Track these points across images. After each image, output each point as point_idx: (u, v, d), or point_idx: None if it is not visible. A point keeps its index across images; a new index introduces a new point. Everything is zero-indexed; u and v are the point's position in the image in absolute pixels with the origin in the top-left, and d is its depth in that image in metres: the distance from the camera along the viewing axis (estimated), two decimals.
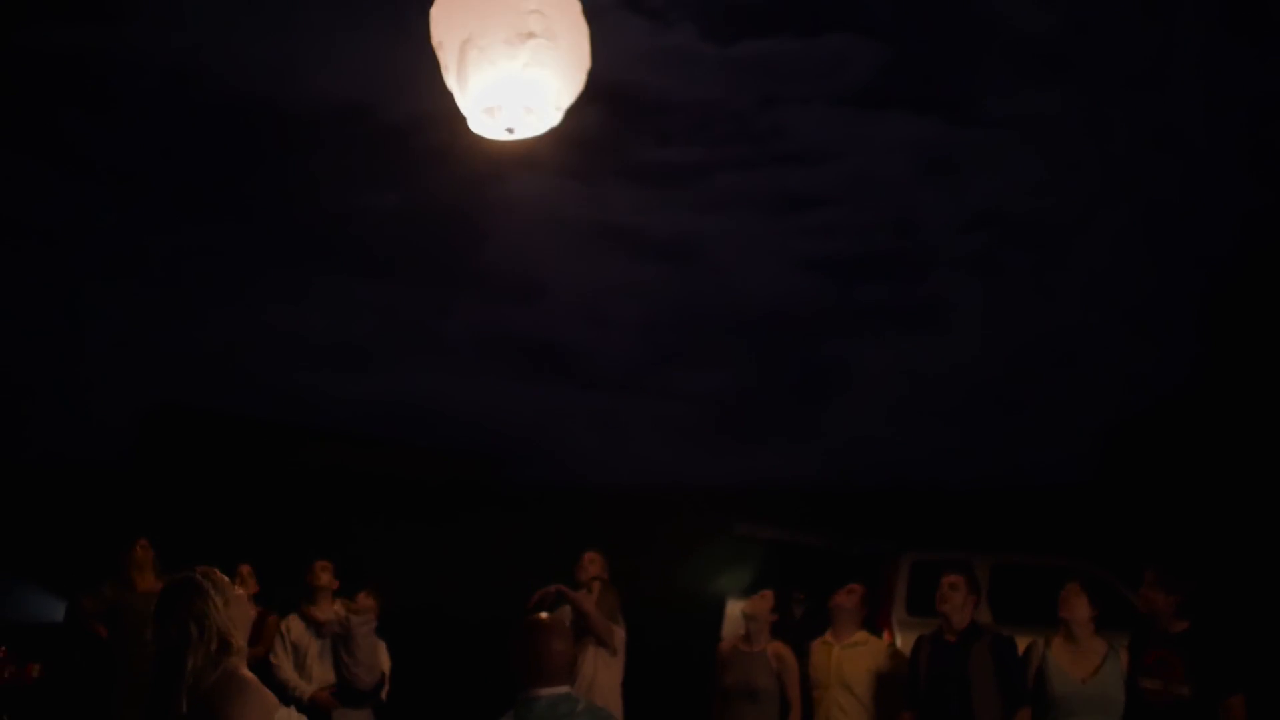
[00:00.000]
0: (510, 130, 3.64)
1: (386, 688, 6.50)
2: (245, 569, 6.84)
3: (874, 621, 7.31)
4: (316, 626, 6.44)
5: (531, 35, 3.47)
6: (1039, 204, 21.79)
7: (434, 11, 3.58)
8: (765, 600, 5.82)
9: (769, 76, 22.50)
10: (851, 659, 5.53)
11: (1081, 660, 4.91)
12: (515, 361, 21.36)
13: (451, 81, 3.58)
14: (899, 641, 7.99)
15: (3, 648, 7.00)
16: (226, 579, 3.07)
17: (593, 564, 6.17)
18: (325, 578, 6.52)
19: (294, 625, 6.48)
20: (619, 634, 5.82)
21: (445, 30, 3.55)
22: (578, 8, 3.64)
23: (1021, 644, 5.09)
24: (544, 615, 3.48)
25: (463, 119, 3.66)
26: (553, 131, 3.72)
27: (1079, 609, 4.92)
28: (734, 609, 8.67)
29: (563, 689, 3.21)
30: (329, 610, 6.43)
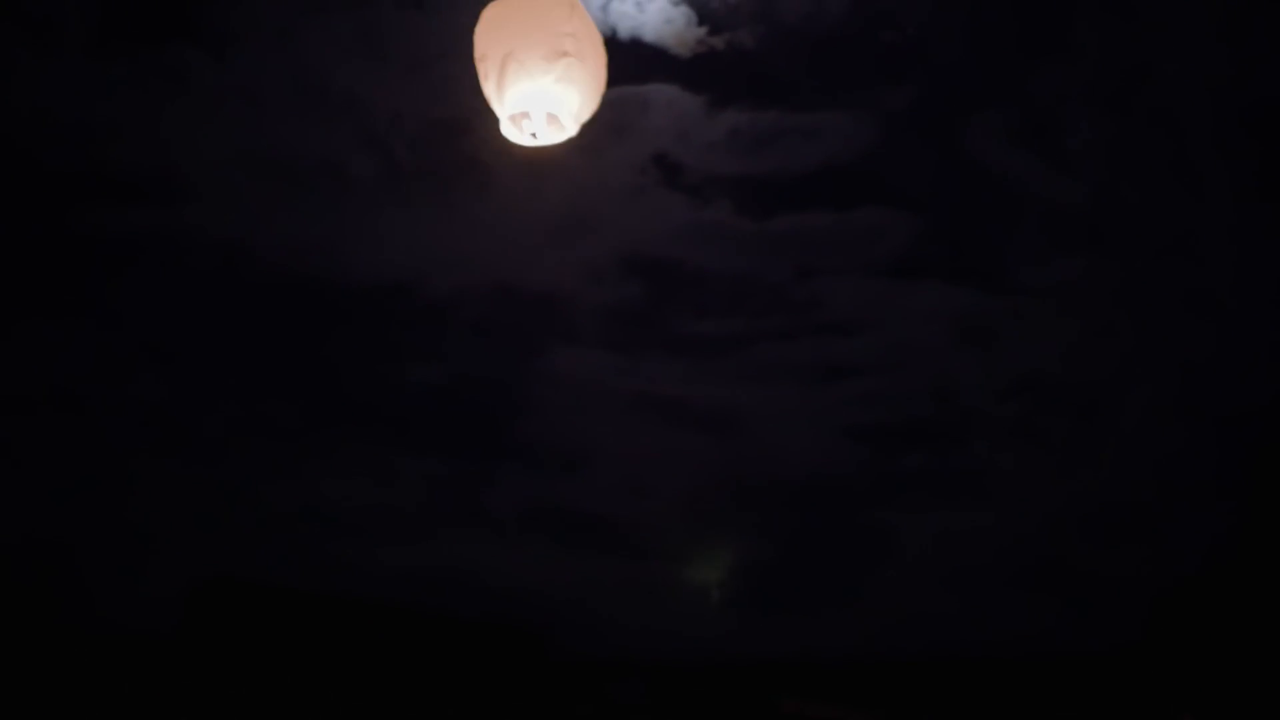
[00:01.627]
0: (534, 136, 4.07)
1: None
2: None
3: None
4: None
5: (565, 55, 3.94)
6: (1074, 370, 22.03)
7: (479, 29, 4.08)
8: None
9: (805, 249, 23.18)
10: None
11: None
12: (557, 531, 21.49)
13: (490, 90, 4.04)
14: None
15: None
16: None
17: None
18: None
19: None
20: None
21: (489, 45, 4.08)
22: (600, 37, 4.12)
23: None
24: None
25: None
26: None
27: None
28: None
29: None
30: None
